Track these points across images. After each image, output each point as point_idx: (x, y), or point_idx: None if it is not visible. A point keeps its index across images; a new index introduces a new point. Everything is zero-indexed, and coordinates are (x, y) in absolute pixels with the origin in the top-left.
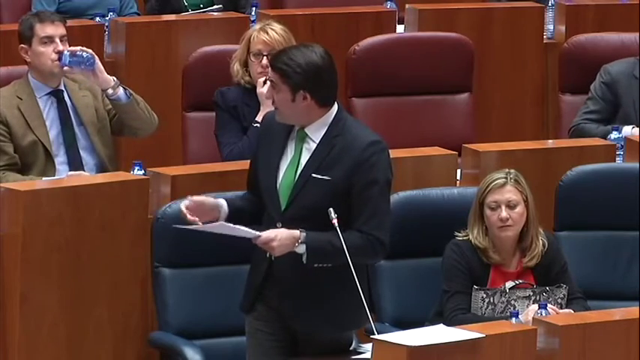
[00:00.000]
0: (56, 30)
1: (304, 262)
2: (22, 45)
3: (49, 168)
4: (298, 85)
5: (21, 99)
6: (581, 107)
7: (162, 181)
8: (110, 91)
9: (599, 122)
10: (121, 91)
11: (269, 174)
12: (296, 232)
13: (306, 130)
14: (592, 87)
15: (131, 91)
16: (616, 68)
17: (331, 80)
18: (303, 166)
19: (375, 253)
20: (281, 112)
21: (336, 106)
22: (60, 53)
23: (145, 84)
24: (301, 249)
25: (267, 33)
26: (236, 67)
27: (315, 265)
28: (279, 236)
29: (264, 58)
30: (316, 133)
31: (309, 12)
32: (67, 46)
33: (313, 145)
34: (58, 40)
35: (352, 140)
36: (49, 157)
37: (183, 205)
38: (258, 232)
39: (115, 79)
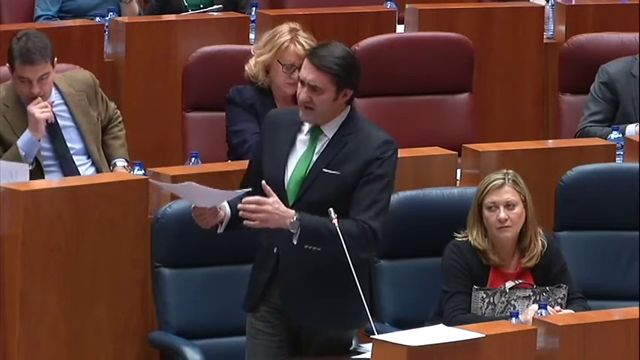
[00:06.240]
0: (34, 73)
1: (295, 242)
2: (8, 65)
3: (37, 177)
4: (345, 85)
5: (7, 107)
6: (584, 110)
7: (162, 181)
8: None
9: (604, 123)
10: None
11: (276, 170)
12: (291, 210)
13: (321, 126)
14: (592, 88)
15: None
16: (614, 67)
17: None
18: (314, 161)
19: (368, 243)
20: (317, 112)
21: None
22: (34, 98)
23: (145, 84)
24: (294, 226)
25: (303, 45)
26: (257, 68)
27: (305, 247)
28: (275, 205)
29: (297, 71)
30: (330, 130)
31: (309, 12)
32: (47, 83)
33: (326, 141)
34: (35, 82)
35: (366, 138)
36: (36, 165)
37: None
38: (241, 192)
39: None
